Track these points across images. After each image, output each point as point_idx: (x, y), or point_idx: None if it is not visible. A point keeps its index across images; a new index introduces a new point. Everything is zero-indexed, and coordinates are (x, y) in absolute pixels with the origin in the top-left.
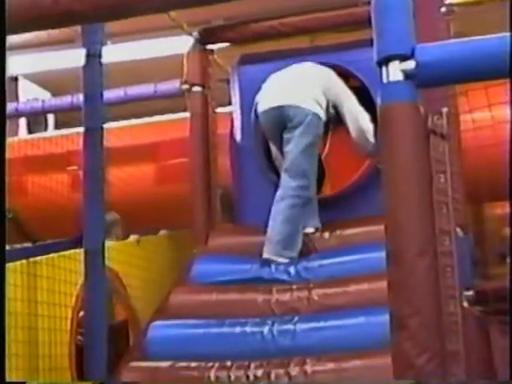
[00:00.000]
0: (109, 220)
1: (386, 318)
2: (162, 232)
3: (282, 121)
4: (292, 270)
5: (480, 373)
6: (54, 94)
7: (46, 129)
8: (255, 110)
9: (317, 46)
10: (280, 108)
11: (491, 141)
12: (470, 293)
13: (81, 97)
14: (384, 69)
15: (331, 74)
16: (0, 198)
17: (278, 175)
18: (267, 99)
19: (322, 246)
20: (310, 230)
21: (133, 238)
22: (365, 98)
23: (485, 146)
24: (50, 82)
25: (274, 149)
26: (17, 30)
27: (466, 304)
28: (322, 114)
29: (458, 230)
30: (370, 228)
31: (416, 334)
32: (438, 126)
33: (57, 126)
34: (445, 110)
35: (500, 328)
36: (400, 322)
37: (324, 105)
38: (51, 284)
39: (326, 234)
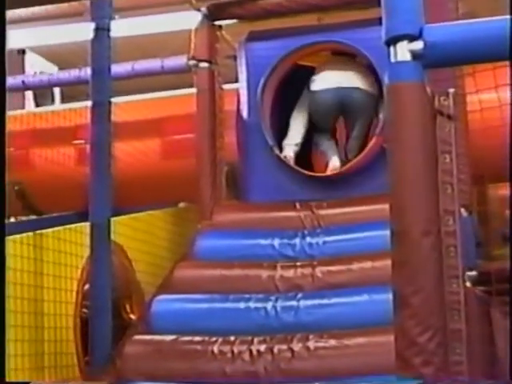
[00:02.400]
0: None
1: (389, 296)
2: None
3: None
4: (297, 245)
5: (481, 352)
6: (62, 68)
7: (52, 102)
8: (262, 87)
9: (324, 24)
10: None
11: (498, 122)
12: (473, 273)
13: (88, 71)
14: (392, 48)
15: None
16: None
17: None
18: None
19: (327, 222)
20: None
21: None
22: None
23: (491, 127)
24: (58, 55)
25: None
26: (26, 4)
27: (468, 284)
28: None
29: (463, 210)
30: (375, 206)
31: (418, 312)
32: (444, 107)
33: (63, 100)
34: (451, 90)
35: (502, 309)
36: (403, 300)
37: None
38: (57, 256)
39: (332, 211)
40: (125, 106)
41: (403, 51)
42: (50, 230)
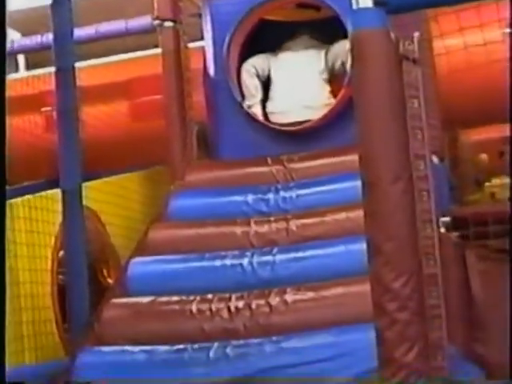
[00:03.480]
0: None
1: (364, 246)
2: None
3: None
4: (270, 200)
5: (457, 295)
6: (24, 34)
7: (17, 70)
8: (228, 45)
9: None
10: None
11: (463, 66)
12: (447, 218)
13: (51, 36)
14: None
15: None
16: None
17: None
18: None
19: (300, 176)
20: None
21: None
22: (338, 29)
23: (457, 70)
24: (19, 21)
25: None
26: None
27: (442, 229)
28: None
29: (434, 157)
30: (347, 158)
31: (392, 258)
32: (409, 52)
33: (28, 67)
34: (416, 34)
35: (476, 252)
36: (376, 248)
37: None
38: (29, 225)
39: (304, 165)
40: (90, 70)
41: None
42: (20, 198)
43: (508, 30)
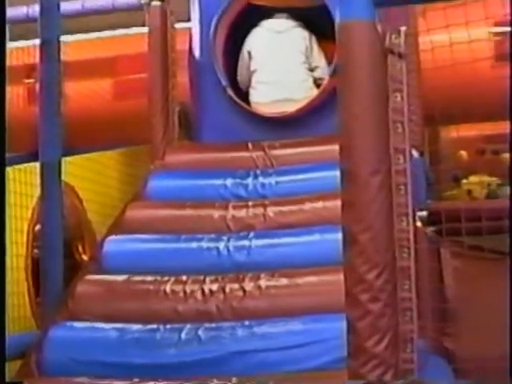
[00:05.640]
0: None
1: (340, 236)
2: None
3: None
4: (249, 185)
5: (430, 289)
6: (9, 5)
7: None
8: (215, 27)
9: None
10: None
11: (448, 62)
12: (424, 213)
13: (37, 8)
14: None
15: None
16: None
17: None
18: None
19: (280, 163)
20: None
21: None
22: (325, 18)
23: (442, 67)
24: None
25: None
26: None
27: (419, 224)
28: None
29: (414, 151)
30: (327, 147)
31: (366, 249)
32: (395, 45)
33: (12, 39)
34: (403, 29)
35: (451, 248)
36: (351, 238)
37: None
38: (6, 197)
39: (284, 152)
40: (76, 45)
41: None
42: None
43: (495, 29)
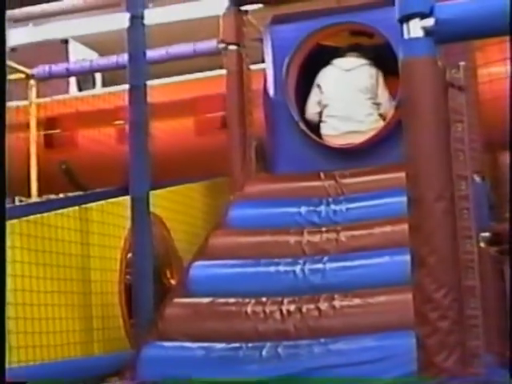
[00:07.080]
0: None
1: (408, 257)
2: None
3: None
4: (322, 212)
5: (495, 306)
6: (102, 55)
7: (94, 86)
8: (287, 67)
9: (343, 6)
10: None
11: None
12: (487, 234)
13: (126, 57)
14: (405, 26)
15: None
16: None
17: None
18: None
19: (350, 190)
20: None
21: None
22: (389, 55)
23: (499, 97)
24: (98, 43)
25: None
26: None
27: (482, 244)
28: None
29: (476, 176)
30: (393, 175)
31: (434, 270)
32: (455, 79)
33: (104, 84)
34: (462, 63)
35: None
36: (420, 261)
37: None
38: (101, 228)
39: (354, 180)
40: (161, 88)
41: (416, 28)
42: (94, 204)
43: None
